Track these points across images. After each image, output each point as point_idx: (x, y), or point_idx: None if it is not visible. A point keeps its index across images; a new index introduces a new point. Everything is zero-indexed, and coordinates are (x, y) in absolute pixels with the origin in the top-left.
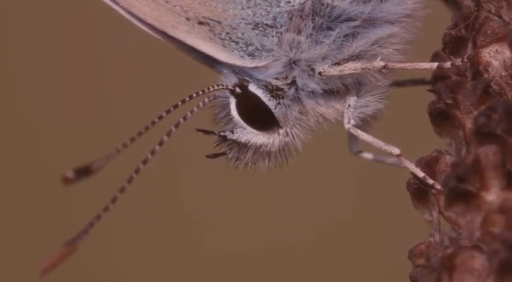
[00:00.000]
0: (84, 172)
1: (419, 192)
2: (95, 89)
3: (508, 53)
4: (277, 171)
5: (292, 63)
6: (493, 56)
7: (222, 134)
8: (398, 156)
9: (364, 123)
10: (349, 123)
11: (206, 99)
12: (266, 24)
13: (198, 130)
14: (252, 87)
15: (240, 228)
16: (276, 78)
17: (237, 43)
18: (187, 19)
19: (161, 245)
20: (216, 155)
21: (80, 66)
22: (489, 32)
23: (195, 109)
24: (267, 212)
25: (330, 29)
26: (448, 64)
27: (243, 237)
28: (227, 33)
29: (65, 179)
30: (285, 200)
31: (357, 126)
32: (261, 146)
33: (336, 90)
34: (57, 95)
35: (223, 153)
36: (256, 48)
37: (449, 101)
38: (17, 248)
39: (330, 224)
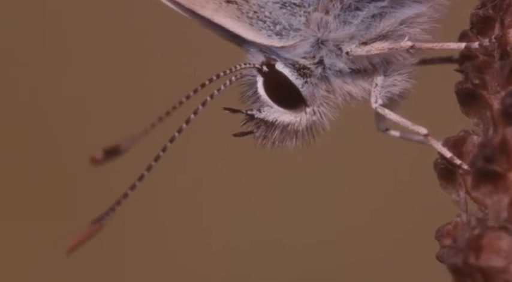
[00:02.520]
0: (113, 152)
1: (447, 172)
2: (123, 71)
3: None
4: (297, 162)
5: (320, 43)
6: None
7: (249, 112)
8: (425, 136)
9: (391, 103)
10: (376, 102)
11: (233, 78)
12: (294, 3)
13: (225, 108)
14: (279, 66)
15: (254, 222)
16: (304, 58)
17: (265, 22)
18: None
19: (174, 237)
20: (243, 134)
21: (110, 48)
22: None
23: (222, 87)
24: (281, 206)
25: (357, 9)
26: (475, 44)
27: (256, 232)
28: (255, 12)
29: (94, 159)
30: (304, 194)
31: (384, 105)
32: (288, 125)
33: (363, 70)
34: (85, 77)
35: (251, 132)
36: (284, 28)
37: (477, 81)
38: (44, 228)
39: (351, 217)
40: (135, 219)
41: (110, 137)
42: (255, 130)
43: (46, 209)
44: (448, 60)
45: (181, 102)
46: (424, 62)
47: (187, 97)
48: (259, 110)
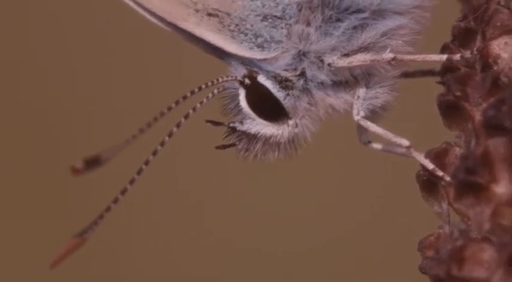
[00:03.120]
0: (93, 163)
1: (429, 184)
2: (105, 79)
3: None
4: (288, 169)
5: (302, 55)
6: (503, 48)
7: (231, 125)
8: (407, 147)
9: (373, 115)
10: (358, 114)
11: (215, 91)
12: (275, 16)
13: (208, 121)
14: (261, 79)
15: (250, 225)
16: (285, 70)
17: (246, 35)
18: (197, 11)
19: (169, 238)
20: (225, 146)
21: (90, 57)
22: (498, 24)
23: (205, 100)
24: (278, 211)
25: (339, 20)
26: (457, 56)
27: (252, 235)
28: (236, 24)
29: (75, 169)
30: (298, 199)
31: (366, 117)
32: (270, 137)
33: (345, 82)
34: (69, 85)
35: (233, 144)
36: (265, 40)
37: (459, 93)
38: (44, 227)
39: (342, 223)
40: (128, 222)
41: (109, 138)
42: (237, 143)
43: (46, 209)
44: (430, 73)
45: (162, 114)
46: (406, 75)
47: (169, 109)
48: (241, 123)
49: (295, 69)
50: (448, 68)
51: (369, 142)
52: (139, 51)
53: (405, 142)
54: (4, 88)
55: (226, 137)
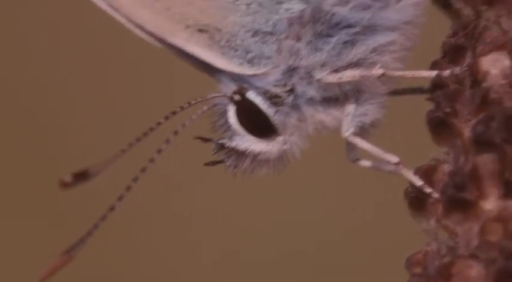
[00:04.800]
0: (82, 176)
1: (417, 201)
2: (94, 94)
3: (507, 61)
4: (280, 178)
5: (291, 71)
6: (492, 64)
7: (220, 141)
8: (396, 164)
9: (362, 131)
10: (347, 131)
11: (205, 107)
12: (265, 32)
13: (197, 137)
14: (251, 95)
15: (241, 233)
16: (275, 86)
17: (236, 50)
18: (187, 26)
19: (160, 252)
20: (214, 163)
21: (78, 71)
22: (488, 40)
23: (194, 117)
24: (268, 217)
25: (329, 35)
26: (447, 72)
27: (243, 243)
28: (226, 40)
29: (63, 183)
30: (288, 205)
31: (355, 134)
32: (259, 154)
33: (334, 98)
34: (57, 99)
35: (222, 161)
36: (255, 56)
37: (448, 110)
38: (44, 228)
39: (330, 231)
40: (117, 239)
41: (98, 153)
42: (226, 159)
43: (45, 209)
44: (419, 90)
45: (152, 129)
46: (395, 92)
47: (158, 124)
48: (230, 139)
49: (285, 85)
50: (437, 85)
51: (358, 160)
52: (127, 67)
53: (394, 159)
54: (4, 88)
55: (215, 153)
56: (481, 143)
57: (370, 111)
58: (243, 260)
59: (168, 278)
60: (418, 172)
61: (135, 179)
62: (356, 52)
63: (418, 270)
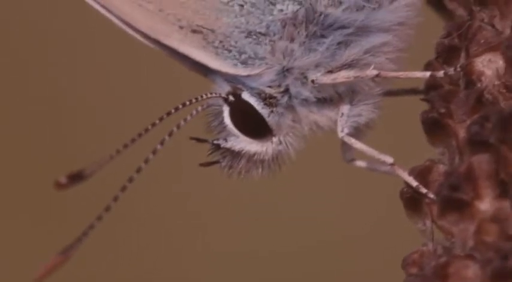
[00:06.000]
0: (77, 177)
1: (413, 201)
2: (89, 94)
3: (500, 62)
4: (282, 175)
5: (285, 71)
6: (486, 65)
7: (215, 142)
8: (391, 165)
9: (357, 132)
10: (342, 131)
11: (199, 108)
12: (259, 33)
13: (192, 138)
14: (245, 96)
15: (244, 230)
16: (269, 86)
17: (230, 51)
18: (181, 27)
19: (160, 252)
20: (209, 164)
21: (73, 72)
22: (482, 41)
23: (189, 117)
24: (271, 215)
25: (323, 36)
26: (440, 73)
27: (246, 240)
28: (220, 41)
29: (58, 184)
30: (290, 203)
31: (350, 134)
32: (254, 154)
33: (329, 99)
34: (53, 100)
35: (217, 162)
36: (249, 57)
37: (442, 110)
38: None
39: (331, 230)
40: (115, 239)
41: (93, 153)
42: (221, 160)
43: (45, 209)
44: (413, 91)
45: (146, 130)
46: (389, 93)
47: (153, 125)
48: (225, 140)
49: (279, 85)
50: (432, 85)
51: (353, 160)
52: (122, 69)
53: (389, 159)
54: (5, 88)
55: (210, 154)
56: (476, 144)
57: (364, 111)
58: (246, 258)
59: (169, 276)
60: (413, 172)
61: (131, 180)
62: (350, 53)
63: (414, 270)
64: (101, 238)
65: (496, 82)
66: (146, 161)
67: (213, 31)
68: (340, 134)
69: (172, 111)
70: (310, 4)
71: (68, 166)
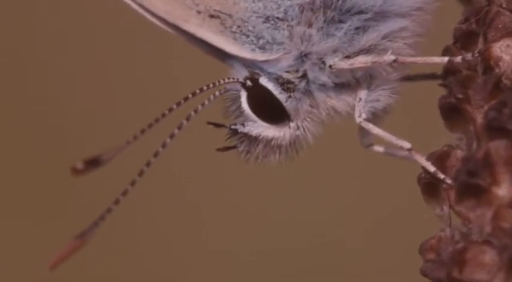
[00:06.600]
0: (93, 163)
1: (430, 186)
2: (89, 94)
3: None
4: (284, 172)
5: (303, 57)
6: (504, 50)
7: (232, 127)
8: (409, 150)
9: (375, 117)
10: (360, 116)
11: (217, 93)
12: (277, 18)
13: (209, 123)
14: (263, 80)
15: (243, 230)
16: (287, 72)
17: (248, 36)
18: (199, 12)
19: (170, 239)
20: (226, 148)
21: (91, 58)
22: (500, 26)
23: (206, 102)
24: (271, 215)
25: (341, 21)
26: (458, 58)
27: (246, 240)
28: (238, 26)
29: (75, 170)
30: (290, 201)
31: (367, 119)
32: (271, 139)
33: (347, 84)
34: (70, 85)
35: (234, 147)
36: (267, 42)
37: (460, 96)
38: (43, 228)
39: (335, 221)
40: (129, 223)
41: (110, 139)
42: (239, 145)
43: (46, 209)
44: (432, 76)
45: (164, 115)
46: (407, 78)
47: (170, 110)
48: (243, 125)
49: (297, 70)
50: (449, 71)
51: (371, 145)
52: (141, 53)
53: (407, 144)
54: (5, 88)
55: (227, 139)
56: (494, 129)
57: (382, 97)
58: (246, 258)
59: (170, 276)
60: (430, 158)
61: (148, 164)
62: (368, 38)
63: (431, 255)
64: (101, 238)
65: None
66: (163, 146)
67: (230, 16)
68: (358, 119)
69: (190, 96)
70: None
71: (67, 166)
